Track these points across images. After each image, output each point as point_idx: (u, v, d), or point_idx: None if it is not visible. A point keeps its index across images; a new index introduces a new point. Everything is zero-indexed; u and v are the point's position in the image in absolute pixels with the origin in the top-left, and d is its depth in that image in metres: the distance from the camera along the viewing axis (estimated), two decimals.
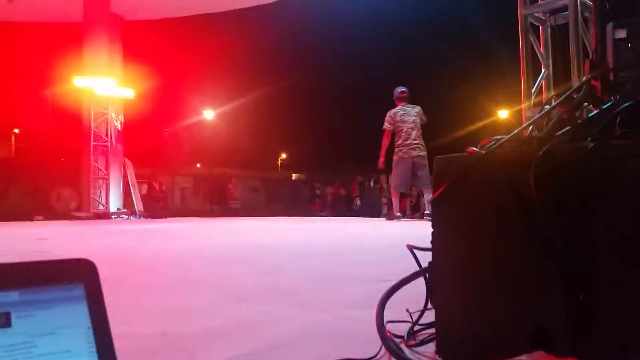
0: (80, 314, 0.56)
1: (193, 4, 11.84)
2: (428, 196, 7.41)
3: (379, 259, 2.83)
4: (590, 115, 1.05)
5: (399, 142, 7.27)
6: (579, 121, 1.08)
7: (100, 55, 10.34)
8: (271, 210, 14.57)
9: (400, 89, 7.49)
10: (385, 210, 8.30)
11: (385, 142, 7.45)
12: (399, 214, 7.69)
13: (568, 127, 1.05)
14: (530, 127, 1.36)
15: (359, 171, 18.89)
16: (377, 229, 6.44)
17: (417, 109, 7.40)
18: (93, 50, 10.38)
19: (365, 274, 2.24)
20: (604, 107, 1.07)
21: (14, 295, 0.51)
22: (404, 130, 7.25)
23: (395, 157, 7.39)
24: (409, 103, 7.42)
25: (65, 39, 11.11)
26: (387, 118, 7.39)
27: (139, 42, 11.78)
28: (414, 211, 13.14)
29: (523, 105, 4.48)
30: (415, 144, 7.25)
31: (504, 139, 0.96)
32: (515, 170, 0.87)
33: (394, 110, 7.39)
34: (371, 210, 14.67)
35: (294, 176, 27.00)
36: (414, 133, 7.27)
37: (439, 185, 1.00)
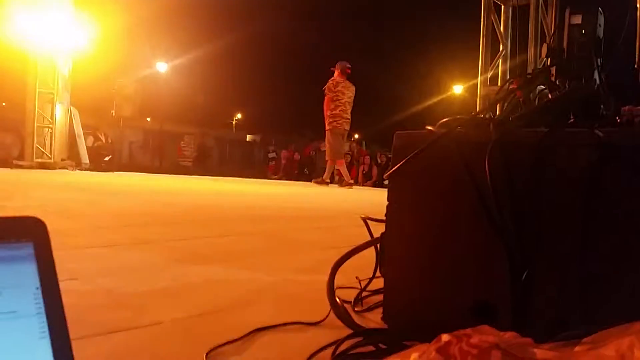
0: (28, 274, 0.54)
1: None
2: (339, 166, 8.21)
3: (332, 225, 2.87)
4: (545, 100, 1.09)
5: (335, 112, 7.71)
6: (535, 105, 1.11)
7: None
8: (223, 170, 14.42)
9: (348, 64, 7.91)
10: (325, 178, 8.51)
11: (326, 105, 7.85)
12: (328, 181, 8.25)
13: (523, 111, 1.08)
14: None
15: (315, 137, 18.90)
16: (329, 195, 6.51)
17: (354, 88, 7.91)
18: None
19: (316, 240, 2.27)
20: (559, 94, 1.11)
21: None
22: (343, 101, 7.71)
23: (330, 127, 7.79)
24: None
25: None
26: (330, 85, 7.81)
27: None
28: (365, 179, 13.31)
29: (479, 81, 4.57)
30: (348, 119, 7.84)
31: (461, 120, 0.98)
32: (471, 151, 0.89)
33: (336, 80, 7.81)
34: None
35: (248, 137, 26.70)
36: (349, 110, 7.82)
37: (397, 159, 1.01)
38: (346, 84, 7.88)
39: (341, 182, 8.35)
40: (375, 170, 13.39)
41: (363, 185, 12.75)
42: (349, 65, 7.93)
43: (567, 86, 1.35)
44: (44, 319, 0.54)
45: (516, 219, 0.82)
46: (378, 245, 1.16)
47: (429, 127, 1.00)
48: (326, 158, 8.37)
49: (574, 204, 0.80)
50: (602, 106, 0.92)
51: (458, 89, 25.39)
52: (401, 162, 0.98)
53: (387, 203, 1.06)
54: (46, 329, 0.53)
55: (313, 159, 16.40)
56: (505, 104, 1.34)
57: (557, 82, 1.70)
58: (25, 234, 0.56)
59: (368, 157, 13.95)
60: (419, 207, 0.99)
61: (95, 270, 1.47)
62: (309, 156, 16.66)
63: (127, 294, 1.22)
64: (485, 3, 4.51)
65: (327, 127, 7.88)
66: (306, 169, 15.73)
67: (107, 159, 11.77)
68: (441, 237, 0.94)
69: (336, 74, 7.98)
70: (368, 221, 1.27)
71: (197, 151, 20.66)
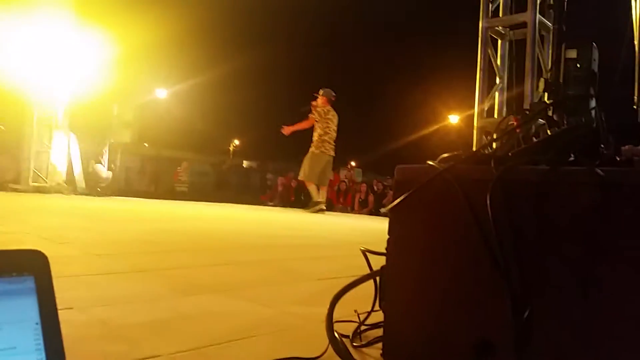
0: (29, 308, 0.54)
1: None
2: (323, 191, 8.30)
3: (329, 255, 2.86)
4: (545, 137, 1.10)
5: (325, 138, 7.94)
6: (534, 142, 1.12)
7: (49, 21, 9.86)
8: (220, 196, 14.37)
9: (334, 93, 8.13)
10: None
11: (304, 126, 8.09)
12: (322, 206, 8.30)
13: (523, 147, 1.09)
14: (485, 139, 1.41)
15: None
16: (326, 223, 6.49)
17: (337, 117, 8.16)
18: (41, 15, 9.87)
19: (314, 270, 2.25)
20: (558, 130, 1.12)
21: None
22: (332, 129, 7.96)
23: (317, 151, 7.98)
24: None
25: (11, 8, 10.52)
26: (320, 111, 7.97)
27: (91, 16, 11.31)
28: (361, 207, 13.30)
29: (475, 112, 4.62)
30: (333, 146, 8.08)
31: (462, 156, 0.98)
32: (472, 188, 0.89)
33: (327, 108, 7.99)
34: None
35: (245, 163, 26.73)
36: (335, 137, 8.06)
37: (398, 193, 1.02)
38: (333, 113, 8.10)
39: (309, 205, 8.45)
40: (371, 198, 13.39)
41: (359, 213, 12.73)
42: (334, 94, 8.14)
43: (565, 122, 1.37)
44: (43, 355, 0.53)
45: (518, 257, 0.82)
46: (377, 278, 1.16)
47: (430, 162, 1.01)
48: (300, 177, 8.44)
49: (577, 242, 0.80)
50: (601, 145, 0.92)
51: (454, 118, 25.63)
52: (402, 197, 0.98)
53: (386, 235, 1.06)
54: None
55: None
56: (505, 140, 1.35)
57: (555, 117, 1.72)
58: (26, 268, 0.56)
59: (364, 185, 13.97)
60: (420, 242, 0.99)
61: (90, 300, 1.45)
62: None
63: (123, 326, 1.20)
64: (482, 37, 4.60)
65: (313, 150, 8.02)
66: (303, 196, 15.73)
67: (102, 185, 11.72)
68: (442, 273, 0.93)
69: (322, 101, 8.13)
70: (367, 254, 1.27)
71: (193, 177, 20.65)
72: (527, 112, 1.43)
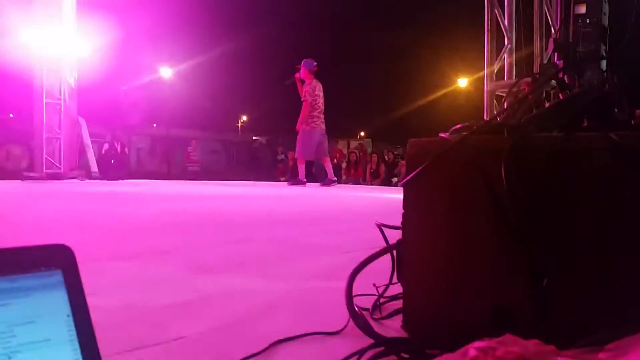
0: (59, 301, 0.56)
1: None
2: (328, 164, 8.35)
3: (342, 229, 2.88)
4: (557, 102, 1.09)
5: (314, 113, 7.90)
6: (546, 107, 1.11)
7: (53, 8, 9.82)
8: (231, 174, 14.46)
9: (314, 62, 8.06)
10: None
11: (305, 110, 7.98)
12: (304, 180, 8.34)
13: (535, 113, 1.08)
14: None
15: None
16: (339, 197, 6.51)
17: (321, 86, 8.11)
18: (45, 2, 9.83)
19: (330, 244, 2.28)
20: (569, 94, 1.11)
21: None
22: (320, 103, 7.95)
23: (307, 127, 7.94)
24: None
25: None
26: (308, 90, 7.92)
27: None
28: (373, 177, 13.30)
29: (485, 75, 4.56)
30: (323, 118, 8.06)
31: (475, 127, 0.98)
32: (486, 159, 0.89)
33: (313, 83, 7.97)
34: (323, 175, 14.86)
35: (254, 139, 26.74)
36: (323, 108, 8.03)
37: (411, 167, 1.02)
38: (319, 85, 8.07)
39: (294, 180, 8.52)
40: (382, 168, 13.37)
41: (371, 184, 12.75)
42: (316, 63, 8.10)
43: (577, 84, 1.35)
44: (77, 345, 0.55)
45: (534, 225, 0.83)
46: (394, 251, 1.17)
47: (443, 135, 1.01)
48: (296, 156, 8.50)
49: (592, 208, 0.80)
50: (615, 109, 0.92)
51: (463, 82, 25.30)
52: (416, 171, 0.99)
53: (399, 206, 1.07)
54: (79, 355, 0.54)
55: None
56: (516, 106, 1.34)
57: (566, 79, 1.69)
58: (53, 262, 0.57)
59: (375, 155, 13.93)
60: (435, 214, 0.99)
61: (114, 284, 1.48)
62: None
63: (148, 308, 1.23)
64: None
65: (304, 127, 8.01)
66: (314, 169, 15.74)
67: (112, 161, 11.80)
68: (458, 244, 0.94)
69: (305, 74, 8.06)
70: (383, 227, 1.28)
71: (203, 156, 20.74)
72: (537, 77, 1.42)
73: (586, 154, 0.81)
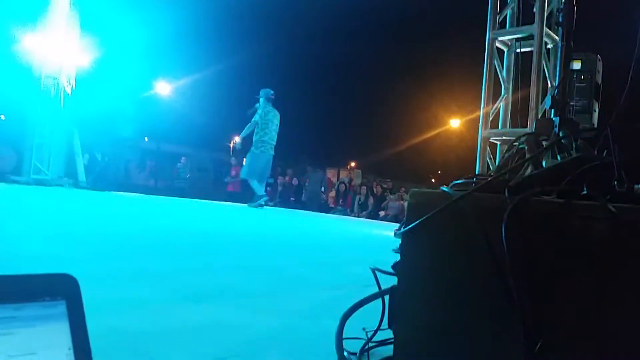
0: (61, 333, 0.56)
1: None
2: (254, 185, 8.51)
3: (332, 261, 2.88)
4: (556, 164, 1.12)
5: (264, 138, 8.31)
6: (546, 169, 1.14)
7: (58, 17, 9.87)
8: (219, 192, 14.40)
9: (272, 91, 8.51)
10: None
11: (252, 129, 8.43)
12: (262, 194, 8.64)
13: (536, 173, 1.11)
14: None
15: (312, 162, 18.94)
16: (327, 225, 6.52)
17: (279, 115, 8.53)
18: (50, 10, 9.89)
19: (317, 278, 2.28)
20: (568, 159, 1.14)
21: None
22: (271, 129, 8.34)
23: (257, 151, 8.37)
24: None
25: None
26: (260, 113, 8.36)
27: (97, 9, 11.32)
28: (361, 209, 13.32)
29: (481, 122, 4.64)
30: (273, 145, 8.42)
31: (476, 183, 1.01)
32: (487, 217, 0.91)
33: (267, 109, 8.38)
34: (312, 200, 14.92)
35: (245, 161, 26.68)
36: (276, 136, 8.42)
37: (412, 217, 1.04)
38: (274, 113, 8.45)
39: (253, 199, 8.69)
40: (371, 200, 13.41)
41: (359, 216, 12.76)
42: (272, 92, 8.50)
43: (574, 145, 1.39)
44: None
45: (531, 288, 0.85)
46: (384, 296, 1.19)
47: (444, 188, 1.03)
48: (241, 176, 8.89)
49: (589, 276, 0.82)
50: (614, 180, 0.95)
51: (455, 122, 25.65)
52: (417, 222, 1.00)
53: (386, 242, 1.09)
54: None
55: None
56: (515, 162, 1.38)
57: (563, 137, 1.74)
58: (58, 291, 0.58)
59: (365, 187, 13.99)
60: (432, 266, 1.01)
61: (101, 305, 1.47)
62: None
63: (135, 334, 1.22)
64: (489, 48, 4.62)
65: (253, 149, 8.43)
66: (303, 196, 15.72)
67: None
68: (454, 299, 0.96)
69: (262, 101, 8.50)
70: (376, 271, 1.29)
71: (192, 172, 20.66)
72: (537, 134, 1.47)
73: (585, 223, 0.84)
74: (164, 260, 2.37)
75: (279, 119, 8.53)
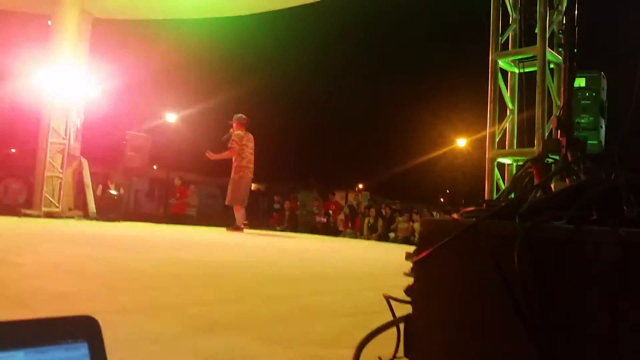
0: None
1: (165, 8, 11.74)
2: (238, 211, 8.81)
3: (341, 288, 2.87)
4: (566, 189, 1.13)
5: (242, 164, 8.61)
6: (555, 194, 1.15)
7: (67, 50, 10.08)
8: (228, 219, 14.42)
9: (244, 116, 8.83)
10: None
11: (228, 156, 8.74)
12: (245, 223, 8.95)
13: (545, 198, 1.12)
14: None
15: (318, 187, 18.97)
16: (337, 250, 6.50)
17: (253, 139, 8.85)
18: (59, 44, 10.11)
19: (330, 306, 2.27)
20: (578, 183, 1.15)
21: (19, 356, 0.51)
22: (247, 152, 8.65)
23: (236, 176, 8.67)
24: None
25: (30, 31, 10.79)
26: (235, 139, 8.64)
27: (106, 41, 11.56)
28: (371, 232, 13.27)
29: (487, 143, 4.66)
30: (252, 168, 8.74)
31: (487, 211, 1.02)
32: (498, 244, 0.92)
33: (240, 133, 8.69)
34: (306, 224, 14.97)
35: (252, 186, 26.77)
36: (252, 159, 8.73)
37: (423, 245, 1.05)
38: (248, 137, 8.76)
39: (233, 226, 8.89)
40: (380, 222, 13.36)
41: (368, 239, 12.71)
42: (245, 117, 8.81)
43: (582, 168, 1.40)
44: None
45: (544, 315, 0.85)
46: (399, 324, 1.19)
47: (456, 216, 1.04)
48: (227, 202, 9.02)
49: (602, 302, 0.82)
50: (624, 204, 0.95)
51: (461, 142, 25.67)
52: (428, 251, 1.01)
53: (397, 265, 1.09)
54: None
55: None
56: (521, 188, 1.38)
57: (569, 156, 1.74)
58: (80, 334, 0.59)
59: (373, 209, 13.95)
60: (446, 294, 1.01)
61: (112, 341, 1.47)
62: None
63: None
64: (492, 69, 4.66)
65: (233, 176, 8.70)
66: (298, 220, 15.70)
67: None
68: (469, 327, 0.96)
69: (235, 126, 8.80)
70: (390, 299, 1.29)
71: (201, 200, 20.71)
72: (543, 158, 1.48)
73: (596, 248, 0.84)
74: (177, 293, 2.38)
75: (253, 141, 8.85)
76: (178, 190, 15.48)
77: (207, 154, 9.01)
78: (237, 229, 8.77)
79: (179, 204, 15.30)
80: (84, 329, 0.59)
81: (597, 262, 0.84)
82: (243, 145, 8.65)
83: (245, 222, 8.89)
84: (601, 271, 0.83)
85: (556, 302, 0.86)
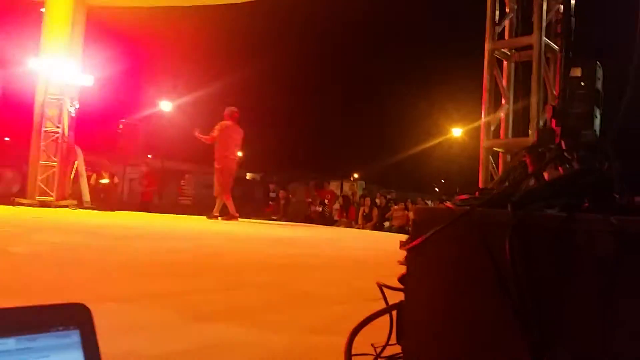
0: None
1: None
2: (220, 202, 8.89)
3: (335, 278, 2.89)
4: (559, 178, 1.13)
5: (225, 154, 8.73)
6: (549, 183, 1.15)
7: (60, 38, 9.99)
8: (224, 209, 14.40)
9: (234, 109, 8.94)
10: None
11: (206, 140, 8.86)
12: (236, 214, 9.00)
13: (538, 187, 1.12)
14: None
15: (314, 177, 18.98)
16: (332, 240, 6.52)
17: (242, 132, 9.02)
18: (53, 32, 10.01)
19: (323, 294, 2.28)
20: (570, 172, 1.16)
21: (10, 343, 0.51)
22: (232, 144, 8.80)
23: (219, 167, 8.80)
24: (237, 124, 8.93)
25: (23, 18, 10.68)
26: (217, 127, 8.76)
27: (100, 29, 11.45)
28: (365, 221, 13.31)
29: (482, 132, 4.67)
30: (235, 159, 8.95)
31: (480, 198, 1.02)
32: (491, 232, 0.92)
33: (225, 123, 8.78)
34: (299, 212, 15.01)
35: (248, 175, 26.77)
36: (237, 152, 8.99)
37: (416, 233, 1.05)
38: (235, 128, 8.87)
39: (227, 216, 8.97)
40: (375, 212, 13.39)
41: (363, 228, 12.74)
42: (236, 110, 8.92)
43: (575, 157, 1.40)
44: None
45: (536, 302, 0.85)
46: (392, 311, 1.19)
47: (448, 204, 1.04)
48: (215, 194, 9.10)
49: (593, 290, 0.83)
50: (615, 192, 0.95)
51: (457, 131, 25.69)
52: (421, 238, 1.02)
53: (392, 254, 1.09)
54: None
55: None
56: (514, 177, 1.39)
57: (563, 145, 1.75)
58: (71, 321, 0.59)
59: (368, 198, 13.98)
60: (438, 281, 1.02)
61: (109, 329, 1.47)
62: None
63: (148, 357, 1.23)
64: (488, 59, 4.65)
65: (216, 166, 8.84)
66: (311, 212, 15.69)
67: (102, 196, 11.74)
68: (461, 312, 0.96)
69: (225, 118, 8.94)
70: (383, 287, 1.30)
71: (197, 189, 20.68)
72: (537, 147, 1.47)
73: (588, 236, 0.85)
74: (170, 281, 2.38)
75: (241, 134, 8.98)
76: (145, 178, 15.26)
77: (195, 133, 9.07)
78: (231, 217, 8.84)
79: (146, 191, 15.11)
80: (75, 317, 0.59)
81: (590, 250, 0.84)
82: (227, 135, 8.76)
83: (237, 214, 9.00)
84: (594, 259, 0.84)
85: (548, 291, 0.86)
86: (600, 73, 4.79)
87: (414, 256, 1.08)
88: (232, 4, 12.18)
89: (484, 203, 1.00)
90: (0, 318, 0.52)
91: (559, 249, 0.87)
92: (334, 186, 19.87)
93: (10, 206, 9.23)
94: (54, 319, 0.57)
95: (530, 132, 4.28)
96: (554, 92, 4.27)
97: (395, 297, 1.21)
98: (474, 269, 0.95)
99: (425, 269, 1.05)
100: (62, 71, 9.87)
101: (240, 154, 9.22)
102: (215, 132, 8.77)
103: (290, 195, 16.17)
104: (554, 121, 1.98)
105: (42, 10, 10.66)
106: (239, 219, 9.08)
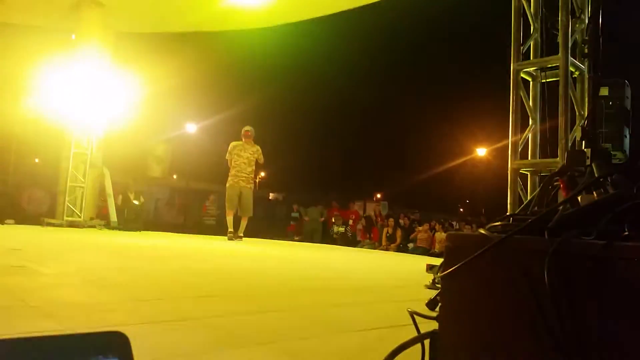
0: None
1: (186, 22, 11.92)
2: (244, 222, 9.00)
3: (364, 300, 2.86)
4: (595, 203, 1.11)
5: (233, 172, 8.91)
6: (585, 208, 1.13)
7: (89, 64, 10.27)
8: (247, 230, 14.46)
9: (246, 128, 9.11)
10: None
11: (226, 163, 9.12)
12: (230, 231, 8.93)
13: (574, 212, 1.10)
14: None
15: (339, 197, 18.96)
16: (356, 261, 6.48)
17: (255, 148, 9.07)
18: (82, 58, 10.31)
19: (351, 319, 2.26)
20: (606, 196, 1.13)
21: None
22: (239, 162, 8.92)
23: (228, 184, 9.01)
24: (251, 141, 9.10)
25: (54, 46, 11.04)
26: (228, 149, 9.05)
27: (127, 53, 11.75)
28: (389, 242, 13.20)
29: (510, 153, 4.62)
30: (245, 176, 8.91)
31: (515, 225, 1.00)
32: (527, 260, 0.91)
33: (234, 143, 9.03)
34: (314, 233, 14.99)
35: (271, 195, 26.87)
36: (248, 169, 8.95)
37: (450, 260, 1.04)
38: (243, 147, 9.00)
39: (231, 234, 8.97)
40: (399, 233, 13.28)
41: (387, 249, 12.64)
42: (247, 129, 9.07)
43: (609, 181, 1.37)
44: None
45: (577, 333, 0.83)
46: (424, 340, 1.17)
47: (483, 231, 1.03)
48: (238, 214, 9.11)
49: (635, 320, 0.80)
50: None
51: (481, 151, 25.47)
52: (456, 266, 1.00)
53: (417, 276, 1.08)
54: None
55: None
56: (547, 202, 1.37)
57: (594, 168, 1.72)
58: (110, 349, 0.59)
59: (392, 219, 13.88)
60: (474, 309, 1.00)
61: (138, 354, 1.48)
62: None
63: None
64: (513, 79, 4.62)
65: (227, 183, 9.03)
66: (332, 232, 15.65)
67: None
68: (497, 344, 0.94)
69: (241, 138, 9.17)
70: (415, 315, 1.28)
71: (221, 209, 20.81)
72: (569, 169, 1.45)
73: (628, 264, 0.83)
74: (195, 303, 2.39)
75: (253, 151, 9.05)
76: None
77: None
78: (231, 237, 8.79)
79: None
80: (114, 345, 0.60)
81: (629, 279, 0.82)
82: (235, 153, 8.94)
83: (231, 230, 8.89)
84: (634, 288, 0.81)
85: (588, 320, 0.84)
86: (628, 92, 4.71)
87: (447, 283, 1.07)
88: (259, 29, 12.41)
89: (519, 230, 0.99)
90: (38, 347, 0.52)
91: (599, 278, 0.85)
92: (357, 206, 19.81)
93: (40, 226, 9.42)
94: (94, 347, 0.57)
95: (559, 153, 4.22)
96: (582, 112, 4.22)
97: (425, 323, 1.19)
98: (511, 297, 0.93)
99: (459, 297, 1.03)
100: (91, 95, 10.14)
101: (252, 168, 9.16)
102: (227, 155, 9.04)
103: (312, 216, 16.15)
104: (583, 142, 1.94)
105: (72, 37, 11.01)
106: (263, 239, 9.08)
